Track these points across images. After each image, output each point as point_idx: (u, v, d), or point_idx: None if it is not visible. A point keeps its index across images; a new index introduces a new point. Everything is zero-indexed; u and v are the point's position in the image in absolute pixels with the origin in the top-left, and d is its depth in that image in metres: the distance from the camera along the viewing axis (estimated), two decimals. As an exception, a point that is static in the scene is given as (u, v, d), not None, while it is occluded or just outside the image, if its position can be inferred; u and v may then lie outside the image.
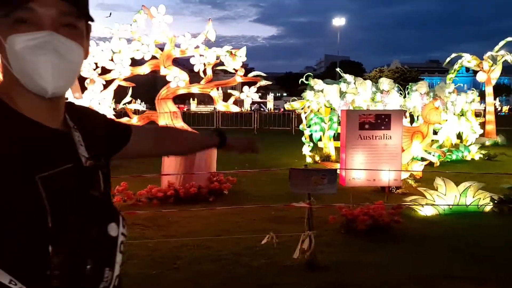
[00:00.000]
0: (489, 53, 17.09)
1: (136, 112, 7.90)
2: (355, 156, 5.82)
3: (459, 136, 15.13)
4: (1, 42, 0.89)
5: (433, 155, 10.04)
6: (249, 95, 7.23)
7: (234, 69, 7.13)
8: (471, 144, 14.13)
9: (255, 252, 4.83)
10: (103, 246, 0.97)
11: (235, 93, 7.37)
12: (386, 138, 5.84)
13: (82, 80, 6.91)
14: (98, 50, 6.82)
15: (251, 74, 7.22)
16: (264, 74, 7.36)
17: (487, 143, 16.63)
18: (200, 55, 6.90)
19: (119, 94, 7.57)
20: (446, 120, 7.85)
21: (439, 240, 5.43)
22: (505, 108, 65.60)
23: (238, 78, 7.20)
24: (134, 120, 7.28)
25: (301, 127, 12.16)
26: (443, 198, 6.45)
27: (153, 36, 7.07)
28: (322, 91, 11.81)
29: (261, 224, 5.97)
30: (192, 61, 7.03)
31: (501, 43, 17.36)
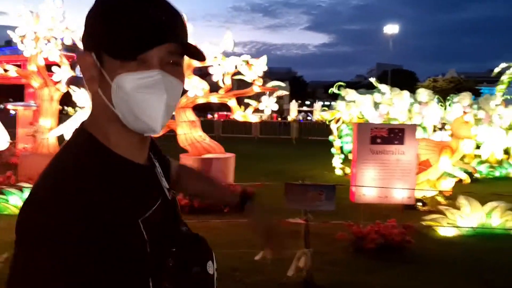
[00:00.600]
0: (541, 63, 15.94)
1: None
2: (365, 171, 5.58)
3: (507, 151, 14.21)
4: (106, 80, 0.87)
5: (475, 172, 9.45)
6: (268, 105, 7.15)
7: (254, 79, 7.09)
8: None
9: (253, 268, 4.73)
10: (202, 286, 0.96)
11: (253, 102, 7.33)
12: (399, 153, 5.56)
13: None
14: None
15: (269, 84, 7.16)
16: (283, 84, 7.26)
17: (539, 159, 15.46)
18: (218, 64, 6.93)
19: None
20: (477, 135, 7.34)
21: (453, 264, 5.08)
22: None
23: (256, 88, 7.15)
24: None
25: (331, 138, 11.90)
26: (465, 219, 6.05)
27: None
28: (354, 101, 11.52)
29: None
30: (210, 70, 7.08)
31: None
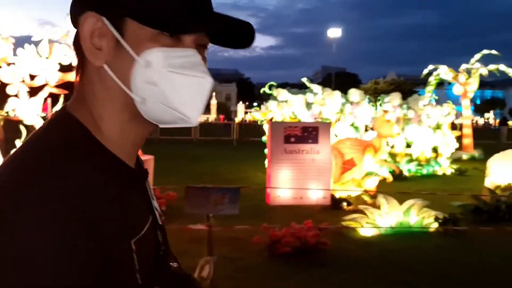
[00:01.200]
0: (464, 66, 16.77)
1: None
2: (280, 171, 5.40)
3: (436, 149, 14.82)
4: (126, 55, 0.68)
5: (399, 170, 9.60)
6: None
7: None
8: (447, 158, 13.77)
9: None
10: None
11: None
12: (314, 153, 5.43)
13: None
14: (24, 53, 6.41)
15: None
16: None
17: (464, 157, 16.29)
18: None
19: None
20: (399, 134, 7.42)
21: (367, 264, 4.99)
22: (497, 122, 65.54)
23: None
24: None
25: (263, 138, 11.76)
26: (384, 217, 6.03)
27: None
28: (286, 101, 11.44)
29: (181, 246, 5.50)
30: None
31: (477, 56, 17.03)
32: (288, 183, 5.41)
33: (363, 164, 7.67)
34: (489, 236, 6.00)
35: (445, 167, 12.99)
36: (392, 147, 14.07)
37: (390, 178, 7.73)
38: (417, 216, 6.13)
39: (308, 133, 5.42)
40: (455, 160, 16.20)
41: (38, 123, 6.80)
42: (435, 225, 6.13)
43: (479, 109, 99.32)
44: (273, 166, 5.45)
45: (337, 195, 7.82)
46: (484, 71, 16.35)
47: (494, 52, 16.88)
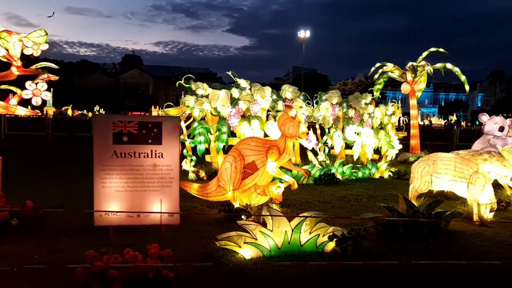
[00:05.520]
0: (410, 64, 15.91)
1: None
2: (108, 181, 4.10)
3: (378, 151, 13.91)
4: None
5: (308, 176, 8.48)
6: (36, 93, 5.43)
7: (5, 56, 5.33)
8: (385, 161, 12.82)
9: None
10: None
11: (17, 90, 5.57)
12: (156, 156, 4.17)
13: None
14: None
15: (35, 66, 5.46)
16: (55, 66, 5.63)
17: (411, 158, 15.43)
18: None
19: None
20: (308, 133, 6.31)
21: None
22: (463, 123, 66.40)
23: (14, 70, 5.40)
24: None
25: (181, 138, 10.44)
26: (269, 236, 4.84)
27: None
28: (207, 96, 10.17)
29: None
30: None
31: (424, 53, 16.21)
32: (119, 196, 4.13)
33: (267, 168, 6.48)
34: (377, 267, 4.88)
35: (383, 170, 11.99)
36: (331, 147, 13.07)
37: (295, 184, 6.58)
38: (310, 233, 4.97)
39: (148, 130, 4.14)
40: (401, 162, 15.34)
41: None
42: (332, 244, 5.00)
43: (443, 111, 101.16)
44: (98, 174, 4.14)
45: (237, 205, 6.62)
46: (429, 68, 15.51)
47: (441, 50, 16.10)
